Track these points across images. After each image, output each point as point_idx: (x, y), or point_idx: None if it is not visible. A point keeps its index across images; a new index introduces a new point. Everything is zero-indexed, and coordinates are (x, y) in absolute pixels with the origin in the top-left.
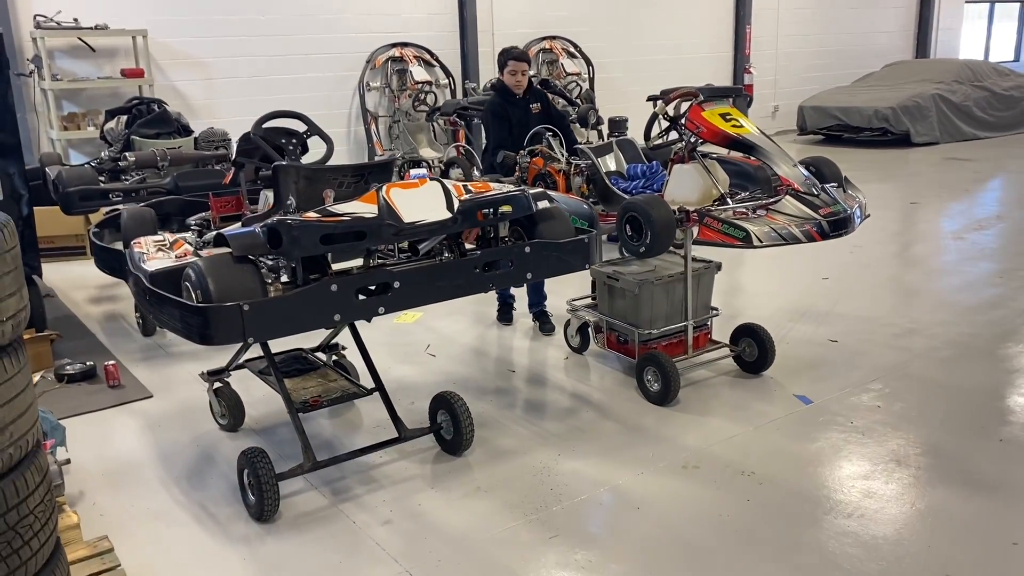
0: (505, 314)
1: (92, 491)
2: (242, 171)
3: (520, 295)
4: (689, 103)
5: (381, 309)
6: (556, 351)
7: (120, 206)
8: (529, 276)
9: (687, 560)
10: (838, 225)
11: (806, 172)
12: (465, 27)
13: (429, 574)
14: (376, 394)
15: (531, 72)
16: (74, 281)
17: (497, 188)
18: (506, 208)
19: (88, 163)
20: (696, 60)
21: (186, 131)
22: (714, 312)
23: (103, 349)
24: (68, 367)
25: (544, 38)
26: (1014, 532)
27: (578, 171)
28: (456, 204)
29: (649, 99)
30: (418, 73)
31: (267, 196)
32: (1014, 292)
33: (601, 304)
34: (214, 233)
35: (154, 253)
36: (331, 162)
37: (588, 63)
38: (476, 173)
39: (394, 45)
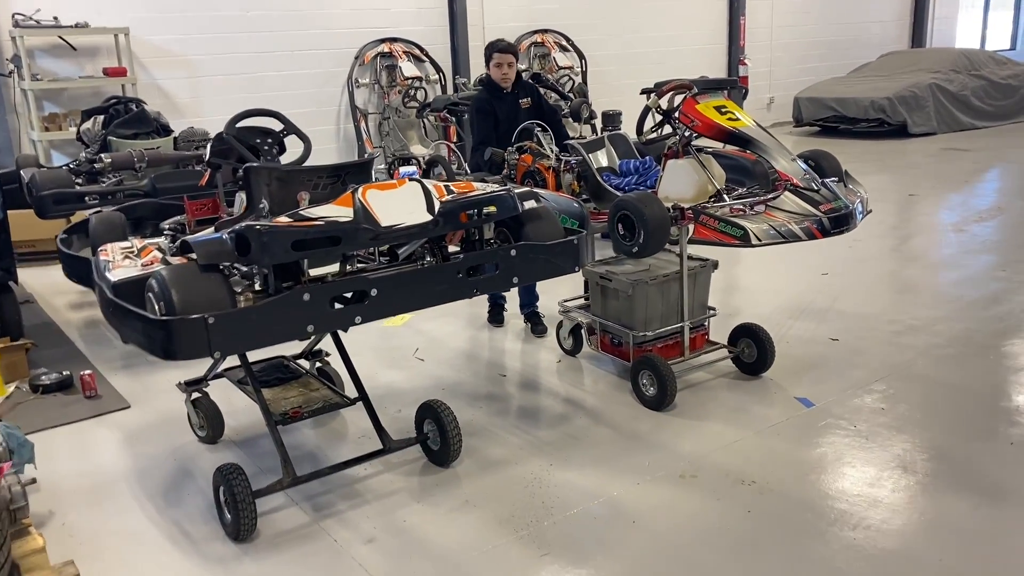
0: (496, 315)
1: (63, 510)
2: (218, 172)
3: (511, 296)
4: (683, 96)
5: (358, 318)
6: (548, 354)
7: (90, 211)
8: (515, 280)
9: None
10: (839, 222)
11: (805, 166)
12: (455, 21)
13: None
14: (360, 403)
15: (522, 66)
16: (55, 287)
17: (481, 188)
18: (490, 209)
19: (67, 165)
20: (690, 52)
21: (165, 131)
22: (711, 312)
23: (82, 357)
24: (43, 377)
25: (535, 32)
26: None
27: (568, 168)
28: (437, 206)
29: (643, 92)
30: (407, 69)
31: (242, 199)
32: (1017, 286)
33: (594, 305)
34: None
35: (120, 261)
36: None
37: (580, 56)
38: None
39: (383, 40)
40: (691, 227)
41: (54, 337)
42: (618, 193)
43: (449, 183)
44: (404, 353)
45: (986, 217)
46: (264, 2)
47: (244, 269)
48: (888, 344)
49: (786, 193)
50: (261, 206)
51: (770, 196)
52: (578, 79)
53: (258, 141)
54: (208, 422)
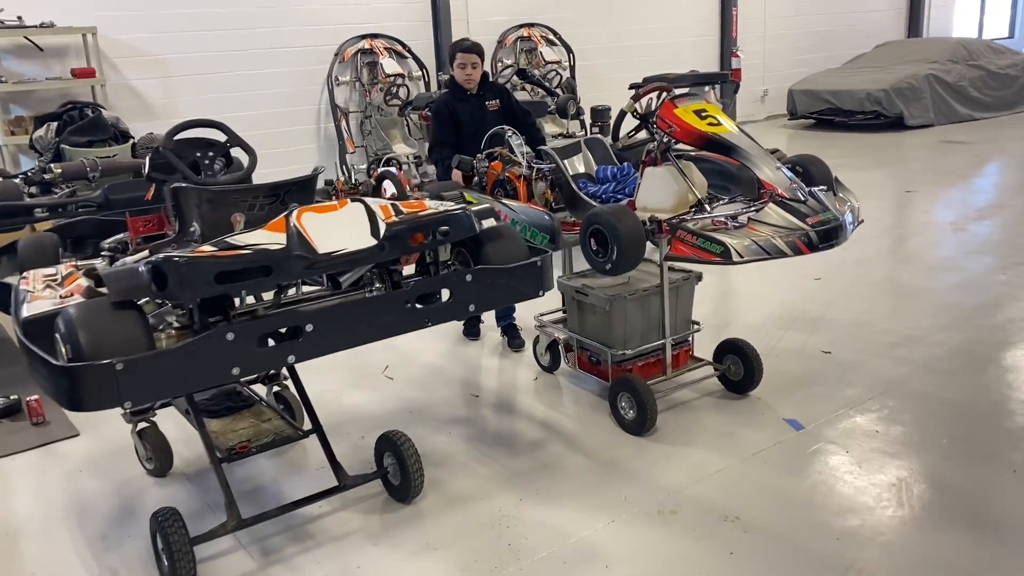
0: (472, 328)
1: None
2: (165, 186)
3: None
4: (661, 99)
5: (291, 358)
6: (526, 370)
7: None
8: (472, 308)
9: None
10: (828, 235)
11: (791, 175)
12: (438, 16)
13: None
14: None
15: (508, 61)
16: None
17: (433, 207)
18: (443, 230)
19: (22, 174)
20: (681, 45)
21: (124, 137)
22: (695, 327)
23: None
24: None
25: (522, 26)
26: None
27: (541, 175)
28: (382, 229)
29: (631, 88)
30: (389, 66)
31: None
32: (1018, 291)
33: (571, 320)
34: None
35: (40, 291)
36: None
37: (568, 51)
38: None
39: (364, 37)
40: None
41: (8, 356)
42: (594, 203)
43: (398, 202)
44: (373, 371)
45: (985, 215)
46: None
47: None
48: (883, 357)
49: (770, 205)
50: (192, 229)
51: (753, 207)
52: (566, 74)
53: (198, 155)
54: (156, 454)
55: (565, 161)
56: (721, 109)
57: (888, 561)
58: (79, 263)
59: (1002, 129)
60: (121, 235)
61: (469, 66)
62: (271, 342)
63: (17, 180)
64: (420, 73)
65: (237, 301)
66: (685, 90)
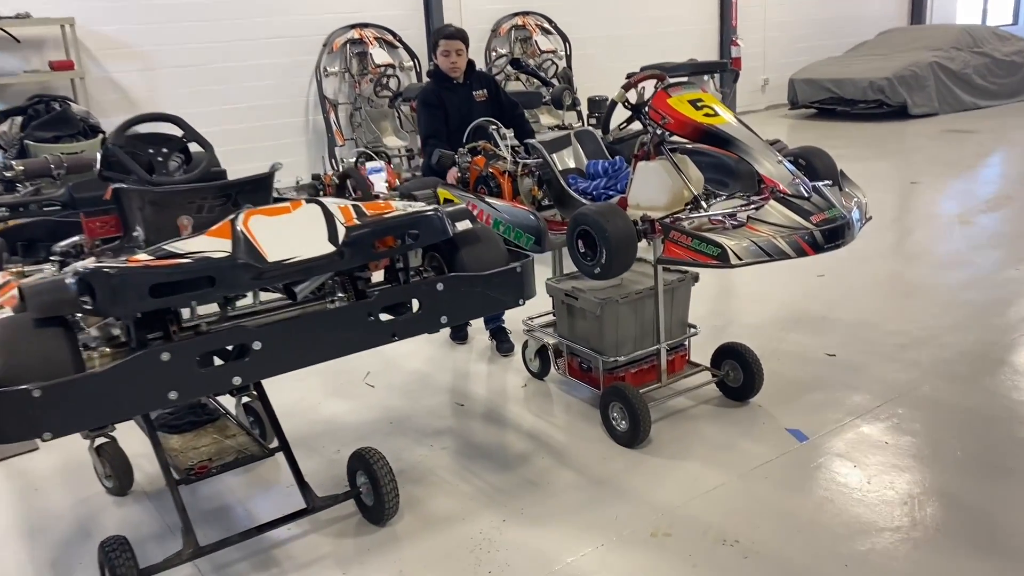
0: (459, 332)
1: None
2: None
3: None
4: (654, 88)
5: (237, 379)
6: (515, 376)
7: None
8: (444, 320)
9: None
10: (834, 234)
11: (793, 169)
12: (430, 4)
13: None
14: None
15: (502, 51)
16: None
17: (401, 208)
18: (412, 233)
19: None
20: (679, 34)
21: (94, 132)
22: (692, 331)
23: None
24: None
25: (516, 14)
26: None
27: (527, 171)
28: (341, 233)
29: (628, 77)
30: (379, 56)
31: None
32: None
33: (560, 325)
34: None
35: None
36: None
37: (564, 39)
38: (382, 187)
39: (353, 26)
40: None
41: None
42: (584, 200)
43: (360, 203)
44: (353, 377)
45: (993, 207)
46: None
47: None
48: (891, 360)
49: (771, 202)
50: (135, 234)
51: (752, 204)
52: (562, 63)
53: (151, 151)
54: (115, 471)
55: (554, 155)
56: (720, 99)
57: None
58: (25, 269)
59: (1008, 118)
60: (76, 237)
61: (453, 53)
62: (218, 360)
63: None
64: (411, 63)
65: (187, 312)
66: (680, 79)
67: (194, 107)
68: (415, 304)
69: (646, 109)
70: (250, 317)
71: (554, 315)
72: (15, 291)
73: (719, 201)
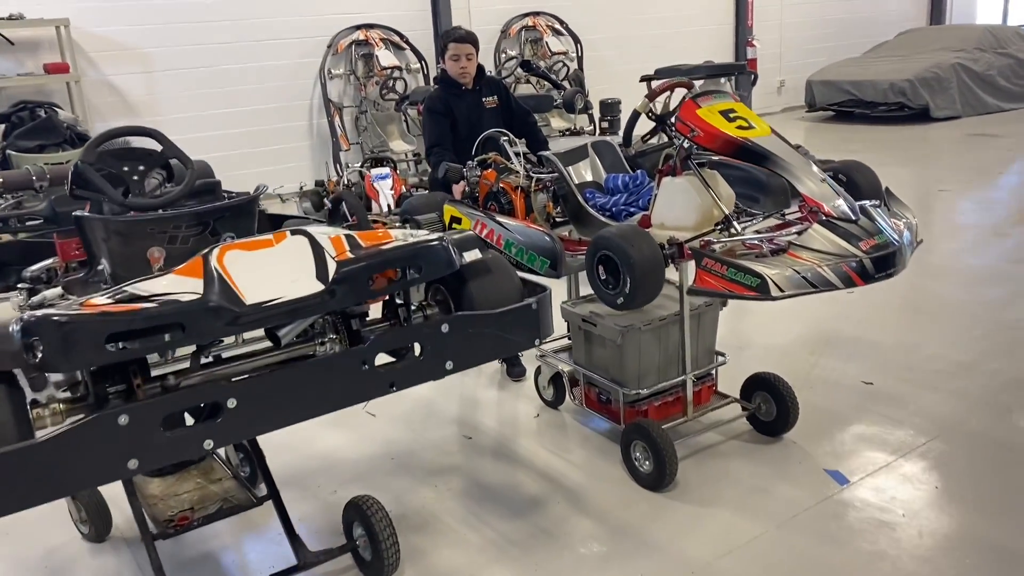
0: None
1: None
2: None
3: None
4: (682, 97)
5: (208, 443)
6: (527, 405)
7: None
8: (450, 366)
9: None
10: (885, 263)
11: (838, 187)
12: (438, 5)
13: None
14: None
15: (512, 53)
16: None
17: (401, 237)
18: (413, 268)
19: None
20: (694, 34)
21: (81, 140)
22: (720, 359)
23: None
24: None
25: (526, 14)
26: None
27: (541, 186)
28: (332, 269)
29: (643, 80)
30: (385, 58)
31: None
32: None
33: (576, 351)
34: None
35: None
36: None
37: (576, 41)
38: (386, 205)
39: (358, 27)
40: (691, 267)
41: None
42: (603, 218)
43: (354, 233)
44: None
45: None
46: None
47: None
48: (934, 390)
49: (815, 226)
50: (100, 267)
51: (792, 226)
52: (573, 65)
53: (126, 169)
54: (91, 516)
55: (569, 168)
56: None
57: None
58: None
59: None
60: (50, 260)
61: (463, 58)
62: (190, 418)
63: None
64: (418, 65)
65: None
66: (709, 87)
67: (194, 111)
68: (417, 348)
69: (672, 120)
70: (227, 364)
71: (570, 339)
72: None
73: (753, 221)
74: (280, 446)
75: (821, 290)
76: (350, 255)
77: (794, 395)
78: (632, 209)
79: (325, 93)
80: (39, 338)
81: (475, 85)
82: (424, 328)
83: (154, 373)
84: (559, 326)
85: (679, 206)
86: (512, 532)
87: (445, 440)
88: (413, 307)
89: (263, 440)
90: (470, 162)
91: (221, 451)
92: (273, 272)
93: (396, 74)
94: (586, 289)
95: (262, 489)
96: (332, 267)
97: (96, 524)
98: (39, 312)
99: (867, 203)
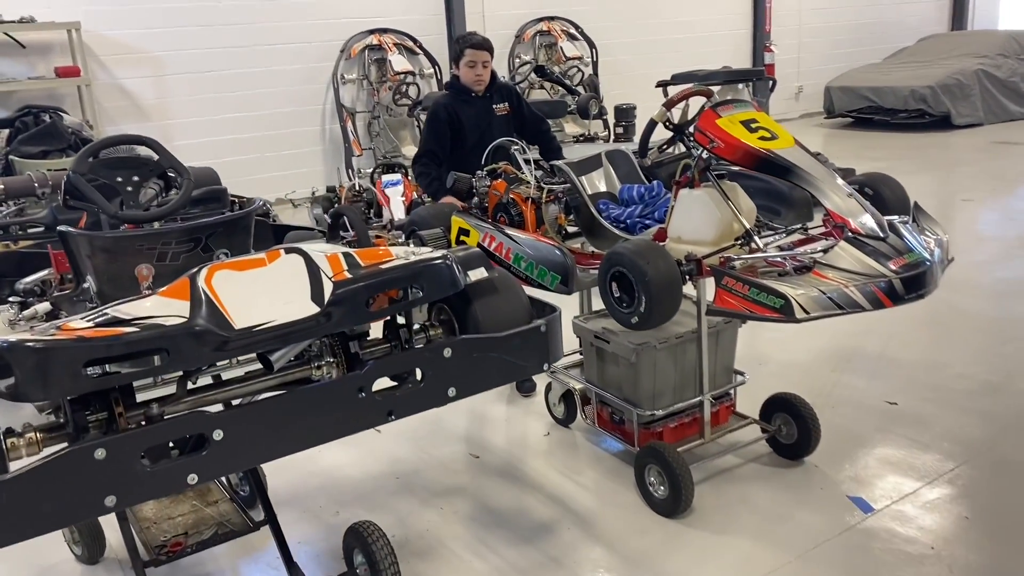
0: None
1: None
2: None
3: None
4: (701, 106)
5: (192, 478)
6: (537, 422)
7: None
8: (452, 393)
9: None
10: (916, 283)
11: (865, 203)
12: (452, 9)
13: None
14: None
15: (526, 57)
16: None
17: (402, 256)
18: (415, 288)
19: None
20: (711, 39)
21: (84, 146)
22: (739, 379)
23: None
24: None
25: (541, 19)
26: None
27: (552, 197)
28: (328, 290)
29: (659, 85)
30: (398, 63)
31: None
32: None
33: (588, 369)
34: (43, 305)
35: None
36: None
37: (591, 46)
38: (397, 212)
39: (372, 32)
40: (710, 283)
41: None
42: (617, 231)
43: (352, 251)
44: None
45: None
46: None
47: None
48: (961, 411)
49: (841, 243)
50: (86, 285)
51: (820, 246)
52: (588, 71)
53: (119, 179)
54: (84, 537)
55: (583, 178)
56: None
57: None
58: None
59: None
60: (45, 272)
61: (480, 65)
62: (174, 450)
63: None
64: (432, 70)
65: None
66: (729, 96)
67: (205, 115)
68: (418, 373)
69: (691, 130)
70: (217, 390)
71: (581, 354)
72: None
73: (775, 236)
74: (282, 463)
75: (848, 312)
76: (348, 275)
77: (816, 417)
78: (648, 222)
79: (338, 98)
80: (12, 365)
81: (486, 91)
82: (425, 352)
83: (141, 397)
84: (571, 341)
85: (697, 219)
86: (519, 560)
87: (452, 458)
88: (416, 327)
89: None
90: (479, 172)
91: None
92: (265, 293)
93: (409, 79)
94: (599, 303)
95: (261, 511)
96: (328, 288)
97: (89, 546)
98: (12, 337)
99: (895, 219)
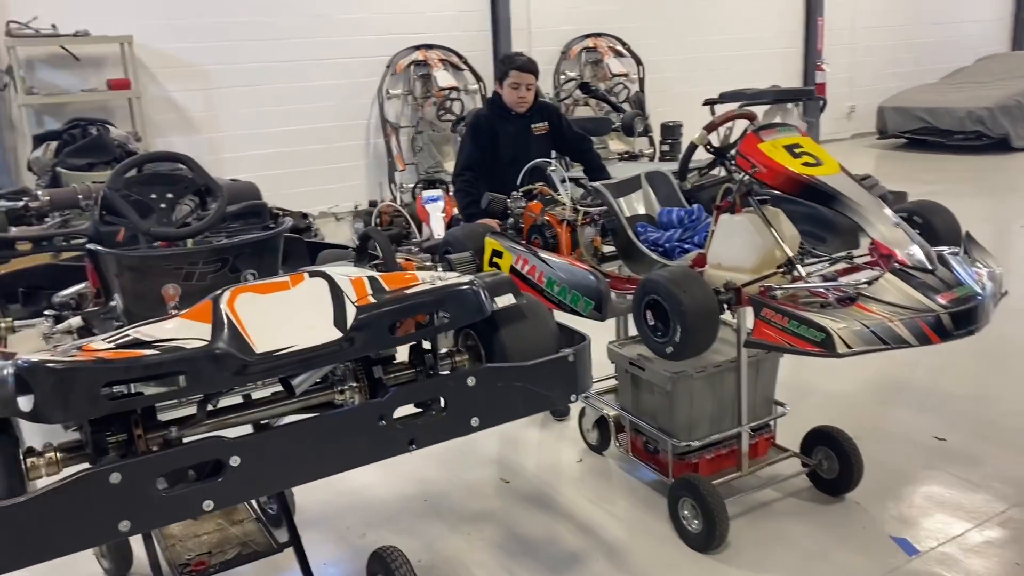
0: None
1: None
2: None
3: None
4: (743, 130)
5: (208, 504)
6: (569, 448)
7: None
8: (476, 423)
9: None
10: (965, 318)
11: (913, 232)
12: (498, 25)
13: None
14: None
15: (572, 74)
16: None
17: (428, 280)
18: (442, 314)
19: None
20: (760, 57)
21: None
22: (780, 410)
23: None
24: None
25: (588, 36)
26: None
27: (589, 219)
28: (351, 315)
29: (706, 103)
30: (443, 78)
31: None
32: None
33: (623, 395)
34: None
35: None
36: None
37: (638, 62)
38: (439, 217)
39: (417, 48)
40: (750, 314)
41: None
42: (654, 255)
43: (377, 275)
44: None
45: None
46: (287, 7)
47: None
48: (1014, 450)
49: (887, 275)
50: (113, 303)
51: (864, 277)
52: (634, 87)
53: (153, 196)
54: (111, 552)
55: (621, 200)
56: (806, 130)
57: None
58: (15, 323)
59: None
60: (81, 285)
61: (523, 87)
62: (191, 472)
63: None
64: (476, 86)
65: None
66: (773, 119)
67: (252, 128)
68: (441, 401)
69: (732, 154)
70: (238, 413)
71: (616, 380)
72: None
73: (818, 265)
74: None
75: (892, 347)
76: (372, 300)
77: (859, 452)
78: (687, 246)
79: (382, 113)
80: (32, 386)
81: (527, 110)
82: (449, 381)
83: (162, 417)
84: (606, 366)
85: (738, 246)
86: None
87: (481, 482)
88: (442, 352)
89: None
90: (515, 192)
91: None
92: (288, 317)
93: (453, 95)
94: (633, 330)
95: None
96: (351, 313)
97: (117, 561)
98: (33, 358)
99: (945, 250)
